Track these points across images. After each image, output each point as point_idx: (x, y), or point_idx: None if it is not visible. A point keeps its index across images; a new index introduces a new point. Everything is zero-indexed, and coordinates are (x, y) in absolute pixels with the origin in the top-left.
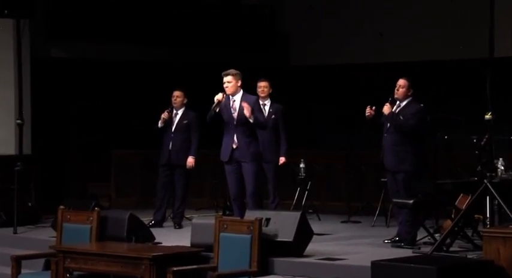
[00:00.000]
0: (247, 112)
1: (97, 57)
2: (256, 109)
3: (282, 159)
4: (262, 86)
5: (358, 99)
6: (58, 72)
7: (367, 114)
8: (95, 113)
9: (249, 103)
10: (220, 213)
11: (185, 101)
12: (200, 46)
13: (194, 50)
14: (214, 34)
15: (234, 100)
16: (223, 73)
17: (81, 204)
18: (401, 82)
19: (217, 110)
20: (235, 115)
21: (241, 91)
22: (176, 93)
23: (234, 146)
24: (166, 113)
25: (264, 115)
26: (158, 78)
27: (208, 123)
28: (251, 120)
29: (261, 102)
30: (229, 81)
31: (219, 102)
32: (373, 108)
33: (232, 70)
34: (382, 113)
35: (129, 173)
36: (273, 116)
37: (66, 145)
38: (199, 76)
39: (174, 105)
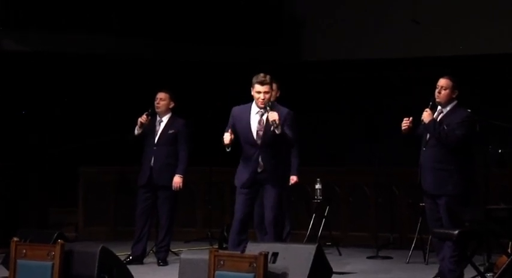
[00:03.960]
0: (275, 119)
1: (60, 49)
2: (287, 124)
3: (293, 179)
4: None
5: (387, 102)
6: (12, 68)
7: (403, 127)
8: (58, 119)
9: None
10: (216, 246)
11: (171, 105)
12: (191, 39)
13: (182, 44)
14: (209, 24)
15: (262, 115)
16: (258, 81)
17: (40, 235)
18: (443, 82)
19: (228, 150)
20: (261, 132)
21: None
22: (160, 95)
23: (259, 170)
24: (145, 116)
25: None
26: (139, 77)
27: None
28: (278, 131)
29: None
30: (267, 92)
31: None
32: (410, 119)
33: (268, 77)
34: (421, 121)
35: (100, 196)
36: None
37: (22, 160)
38: (191, 75)
39: (158, 110)
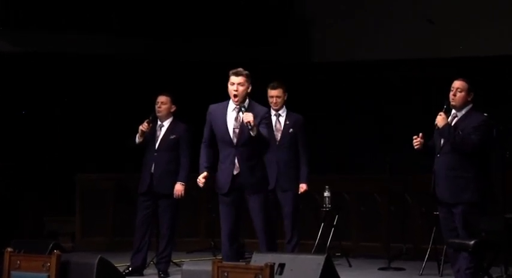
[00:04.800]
0: (249, 120)
1: (60, 49)
2: (264, 123)
3: (302, 187)
4: (275, 96)
5: (400, 105)
6: (11, 68)
7: (416, 146)
8: (54, 124)
9: (256, 116)
10: (219, 257)
11: (173, 109)
12: (191, 39)
13: (182, 44)
14: (209, 23)
15: (239, 111)
16: (233, 72)
17: (35, 245)
18: (458, 84)
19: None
20: (237, 129)
21: (247, 100)
22: (161, 99)
23: (235, 172)
24: (146, 124)
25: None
26: (139, 77)
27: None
28: (253, 133)
29: (273, 113)
30: (241, 83)
31: None
32: (420, 134)
33: (245, 71)
34: (435, 125)
35: (98, 204)
36: (291, 130)
37: (16, 167)
38: (191, 75)
39: (159, 114)
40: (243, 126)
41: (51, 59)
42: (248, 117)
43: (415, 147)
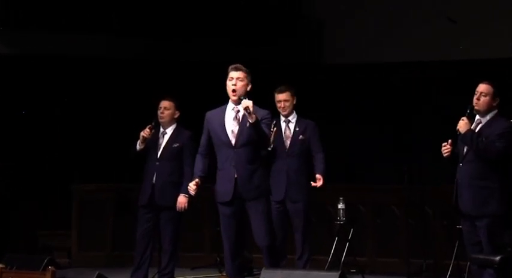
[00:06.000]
0: (248, 105)
1: (60, 49)
2: (264, 123)
3: (318, 178)
4: (282, 100)
5: (418, 110)
6: (11, 68)
7: (445, 154)
8: (54, 124)
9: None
10: (225, 273)
11: (176, 115)
12: (191, 39)
13: (182, 44)
14: (209, 23)
15: (238, 111)
16: (232, 67)
17: (28, 260)
18: (482, 88)
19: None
20: (236, 129)
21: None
22: (164, 104)
23: (236, 175)
24: (148, 130)
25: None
26: (138, 77)
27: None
28: (251, 120)
29: (282, 120)
30: (241, 79)
31: None
32: (450, 141)
33: (242, 66)
34: (457, 131)
35: (96, 216)
36: (301, 136)
37: (16, 167)
38: (191, 75)
39: (161, 120)
40: (242, 126)
41: (51, 59)
42: (247, 102)
43: (444, 155)
